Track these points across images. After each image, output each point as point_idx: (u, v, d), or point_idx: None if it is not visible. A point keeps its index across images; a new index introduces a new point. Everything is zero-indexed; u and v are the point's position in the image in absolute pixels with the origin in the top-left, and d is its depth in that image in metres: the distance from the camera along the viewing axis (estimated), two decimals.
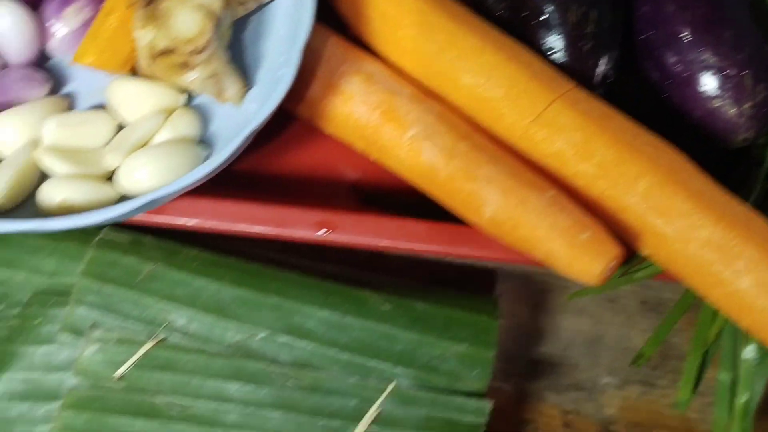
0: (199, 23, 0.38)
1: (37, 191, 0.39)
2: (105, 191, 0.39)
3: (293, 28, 0.40)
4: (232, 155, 0.37)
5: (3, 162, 0.39)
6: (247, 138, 0.37)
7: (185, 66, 0.38)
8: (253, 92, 0.42)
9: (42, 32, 0.41)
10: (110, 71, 0.41)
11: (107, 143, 0.41)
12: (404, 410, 0.40)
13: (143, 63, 0.39)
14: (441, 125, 0.41)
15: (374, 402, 0.40)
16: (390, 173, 0.44)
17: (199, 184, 0.38)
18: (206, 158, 0.41)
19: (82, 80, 0.43)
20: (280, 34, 0.42)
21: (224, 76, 0.40)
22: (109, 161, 0.39)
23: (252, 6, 0.42)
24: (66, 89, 0.43)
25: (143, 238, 0.43)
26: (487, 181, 0.39)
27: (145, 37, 0.38)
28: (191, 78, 0.39)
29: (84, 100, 0.43)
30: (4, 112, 0.40)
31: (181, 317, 0.41)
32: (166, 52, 0.38)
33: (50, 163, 0.39)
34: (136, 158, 0.39)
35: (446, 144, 0.40)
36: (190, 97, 0.42)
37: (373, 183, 0.48)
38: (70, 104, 0.42)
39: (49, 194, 0.38)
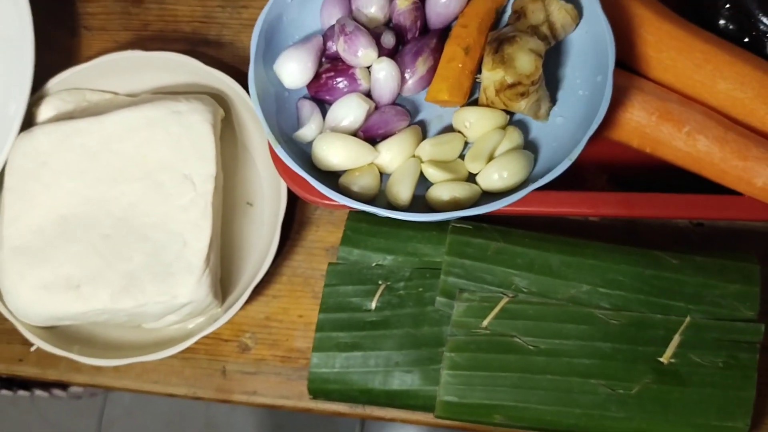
0: (533, 62, 0.53)
1: (428, 192, 0.53)
2: (474, 189, 0.53)
3: (593, 59, 0.55)
4: (571, 164, 0.51)
5: (399, 174, 0.54)
6: (582, 144, 0.52)
7: (524, 95, 0.53)
8: (555, 109, 0.56)
9: (401, 79, 0.56)
10: (454, 105, 0.56)
11: (459, 155, 0.56)
12: (699, 336, 0.54)
13: (489, 94, 0.54)
14: (709, 120, 0.55)
15: (676, 331, 0.54)
16: (637, 162, 0.58)
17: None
18: (535, 161, 0.55)
19: (426, 112, 0.58)
20: (576, 62, 0.56)
21: (542, 99, 0.55)
22: (472, 168, 0.54)
23: (553, 42, 0.56)
24: (417, 119, 0.58)
25: (482, 225, 0.57)
26: (756, 159, 0.53)
27: (495, 76, 0.53)
28: (524, 104, 0.54)
29: (429, 126, 0.58)
30: (389, 139, 0.55)
31: (523, 280, 0.55)
32: (513, 86, 0.53)
33: (432, 172, 0.54)
34: (493, 165, 0.53)
35: (718, 134, 0.54)
36: (511, 117, 0.57)
37: (624, 170, 0.62)
38: (423, 130, 0.57)
39: (439, 194, 0.53)
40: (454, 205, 0.52)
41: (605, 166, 0.63)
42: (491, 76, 0.53)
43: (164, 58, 0.64)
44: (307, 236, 0.65)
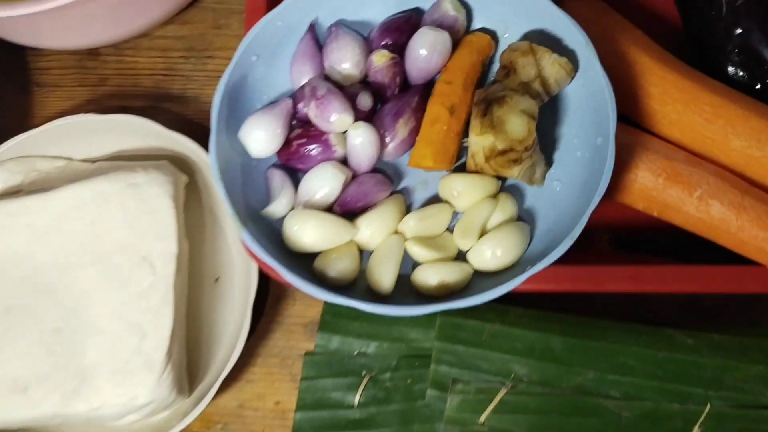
0: (526, 125, 0.47)
1: (413, 274, 0.48)
2: (464, 269, 0.47)
3: (591, 116, 0.49)
4: (576, 237, 0.46)
5: (380, 255, 0.48)
6: (583, 222, 0.46)
7: (517, 161, 0.47)
8: (551, 172, 0.51)
9: (380, 143, 0.51)
10: (440, 169, 0.50)
11: (447, 228, 0.50)
12: (722, 427, 0.48)
13: (478, 161, 0.48)
14: (723, 183, 0.49)
15: (696, 422, 0.48)
16: (641, 222, 0.53)
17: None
18: (531, 232, 0.49)
19: (410, 177, 0.52)
20: (572, 118, 0.51)
21: (537, 163, 0.49)
22: (462, 245, 0.48)
23: (546, 99, 0.50)
24: (399, 186, 0.52)
25: None
26: None
27: (484, 141, 0.47)
28: (517, 170, 0.48)
29: (414, 194, 0.52)
30: (370, 213, 0.49)
31: (522, 367, 0.49)
32: (504, 152, 0.47)
33: (418, 252, 0.48)
34: (486, 241, 0.47)
35: (734, 199, 0.48)
36: (503, 182, 0.51)
37: (627, 231, 0.56)
38: (405, 199, 0.51)
39: (426, 278, 0.47)
40: (443, 289, 0.47)
41: (607, 226, 0.57)
42: (480, 142, 0.48)
43: (121, 121, 0.58)
44: (283, 311, 0.59)
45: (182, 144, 0.57)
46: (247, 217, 0.48)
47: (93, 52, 0.65)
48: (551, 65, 0.49)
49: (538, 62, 0.49)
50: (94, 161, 0.59)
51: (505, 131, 0.47)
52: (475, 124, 0.48)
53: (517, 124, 0.47)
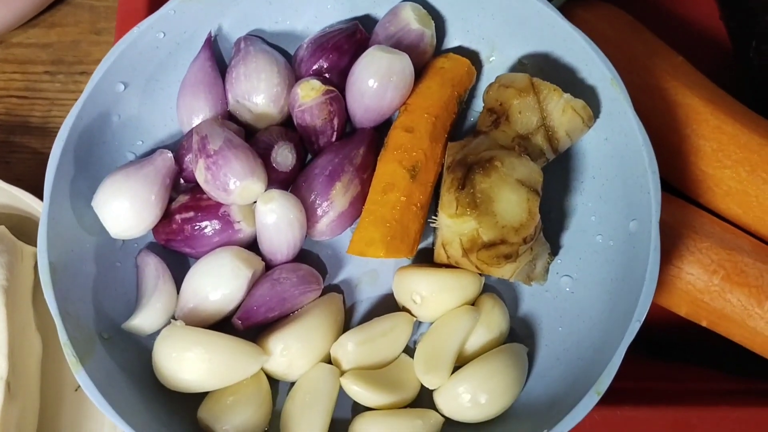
0: (525, 205, 0.31)
1: (352, 426, 0.31)
2: (430, 422, 0.31)
3: (618, 187, 0.33)
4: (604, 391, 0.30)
5: (302, 394, 0.32)
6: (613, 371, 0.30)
7: (510, 257, 0.31)
8: (558, 263, 0.35)
9: (308, 218, 0.34)
10: (397, 257, 0.34)
11: (404, 349, 0.34)
12: None
13: (453, 253, 0.32)
14: None
15: None
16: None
17: None
18: (530, 359, 0.33)
19: (352, 265, 0.36)
20: (589, 186, 0.35)
21: (538, 255, 0.33)
22: (427, 382, 0.32)
23: (552, 157, 0.34)
24: (337, 278, 0.36)
25: None
26: None
27: (462, 226, 0.31)
28: (510, 269, 0.32)
29: (358, 290, 0.36)
30: (289, 326, 0.33)
31: None
32: (492, 245, 0.31)
33: (359, 393, 0.32)
34: (463, 380, 0.31)
35: None
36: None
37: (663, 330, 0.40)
38: (343, 299, 0.35)
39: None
40: None
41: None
42: (455, 227, 0.31)
43: None
44: None
45: (28, 204, 0.40)
46: (96, 336, 0.32)
47: None
48: (561, 111, 0.33)
49: (541, 105, 0.33)
50: None
51: (494, 213, 0.31)
52: (448, 200, 0.31)
53: (511, 202, 0.31)
